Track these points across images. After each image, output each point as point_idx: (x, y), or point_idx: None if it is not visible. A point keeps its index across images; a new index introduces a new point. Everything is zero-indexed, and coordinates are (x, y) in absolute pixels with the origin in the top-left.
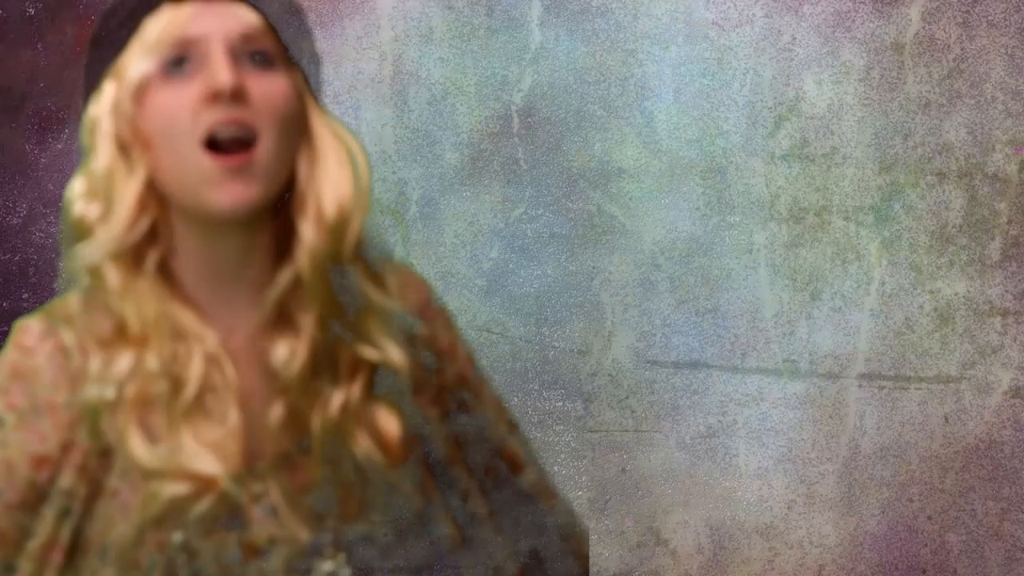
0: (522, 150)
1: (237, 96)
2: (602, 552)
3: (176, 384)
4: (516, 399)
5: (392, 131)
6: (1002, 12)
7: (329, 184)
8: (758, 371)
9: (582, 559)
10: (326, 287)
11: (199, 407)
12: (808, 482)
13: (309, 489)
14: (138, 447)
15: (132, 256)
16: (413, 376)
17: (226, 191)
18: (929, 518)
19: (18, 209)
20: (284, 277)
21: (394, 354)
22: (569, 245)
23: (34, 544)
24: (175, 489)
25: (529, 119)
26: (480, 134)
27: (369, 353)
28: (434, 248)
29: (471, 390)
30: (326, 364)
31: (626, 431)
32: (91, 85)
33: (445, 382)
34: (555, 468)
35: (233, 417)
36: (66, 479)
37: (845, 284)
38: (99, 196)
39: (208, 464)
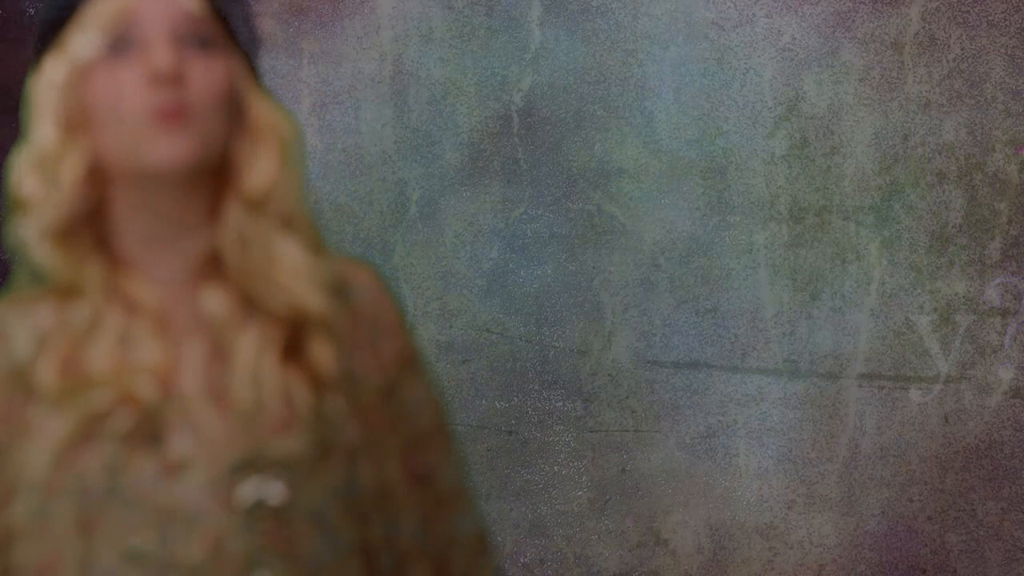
0: (522, 150)
1: (176, 79)
2: (602, 552)
3: (98, 323)
4: (516, 399)
5: (392, 131)
6: (1002, 12)
7: (257, 164)
8: (758, 371)
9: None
10: (249, 252)
11: (119, 344)
12: (808, 482)
13: (230, 415)
14: (53, 375)
15: (69, 229)
16: (350, 337)
17: (165, 146)
18: (929, 518)
19: None
20: (201, 243)
21: (316, 306)
22: (569, 245)
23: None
24: (92, 402)
25: (529, 119)
26: (480, 134)
27: (291, 304)
28: (434, 248)
29: (408, 374)
30: (253, 311)
31: (626, 431)
32: (37, 59)
33: (383, 358)
34: (555, 468)
35: (154, 348)
36: (4, 432)
37: (845, 284)
38: (41, 173)
39: (125, 379)
